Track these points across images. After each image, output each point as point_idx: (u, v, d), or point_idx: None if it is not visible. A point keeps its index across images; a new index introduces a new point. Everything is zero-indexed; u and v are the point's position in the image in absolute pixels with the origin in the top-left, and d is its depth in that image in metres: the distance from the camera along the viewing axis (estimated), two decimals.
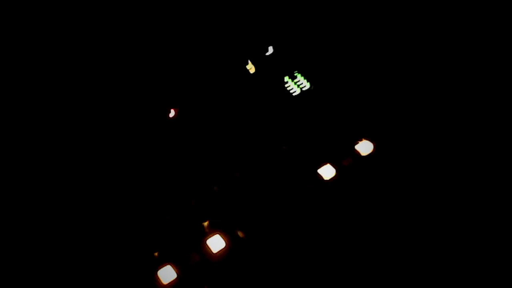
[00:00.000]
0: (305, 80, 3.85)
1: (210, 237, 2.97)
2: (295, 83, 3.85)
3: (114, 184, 3.61)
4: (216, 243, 2.93)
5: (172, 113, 3.85)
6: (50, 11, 4.10)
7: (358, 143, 3.31)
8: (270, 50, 4.09)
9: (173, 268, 2.82)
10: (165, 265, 2.84)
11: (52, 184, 3.63)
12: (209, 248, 2.89)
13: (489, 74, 3.31)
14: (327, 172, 3.16)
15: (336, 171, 3.15)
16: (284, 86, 3.84)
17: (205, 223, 3.09)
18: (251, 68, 3.91)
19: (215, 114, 3.84)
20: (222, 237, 2.94)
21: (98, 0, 4.22)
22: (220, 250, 2.89)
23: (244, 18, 4.30)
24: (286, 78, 3.88)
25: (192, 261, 2.94)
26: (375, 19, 3.98)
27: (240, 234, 2.96)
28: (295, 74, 3.92)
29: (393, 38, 3.84)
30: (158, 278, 2.79)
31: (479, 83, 3.31)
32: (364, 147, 3.27)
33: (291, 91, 3.81)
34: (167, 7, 4.40)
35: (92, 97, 4.22)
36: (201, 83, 4.13)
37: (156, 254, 2.99)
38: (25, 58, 4.07)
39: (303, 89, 3.80)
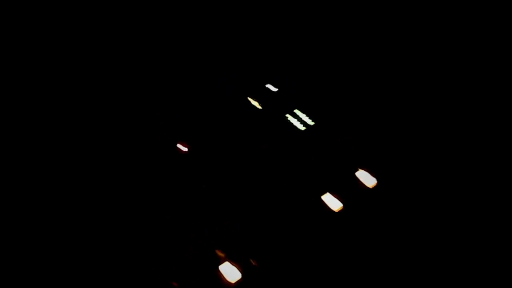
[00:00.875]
0: (307, 117, 4.14)
1: (223, 264, 2.99)
2: (297, 119, 4.13)
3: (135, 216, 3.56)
4: (230, 272, 2.94)
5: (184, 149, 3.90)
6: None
7: (358, 170, 3.48)
8: (272, 88, 4.35)
9: None
10: None
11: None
12: (223, 277, 2.92)
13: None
14: (331, 201, 3.32)
15: (342, 203, 3.31)
16: (288, 121, 4.11)
17: (219, 252, 3.08)
18: (255, 103, 4.12)
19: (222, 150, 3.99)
20: (235, 266, 2.98)
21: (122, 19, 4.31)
22: (235, 280, 2.88)
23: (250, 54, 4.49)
24: (288, 115, 4.15)
25: None
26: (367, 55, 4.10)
27: (253, 262, 2.98)
28: (295, 111, 4.20)
29: (390, 73, 3.93)
30: None
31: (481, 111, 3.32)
32: (366, 178, 3.44)
33: (294, 126, 4.08)
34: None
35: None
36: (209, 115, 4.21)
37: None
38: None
39: (305, 124, 4.09)
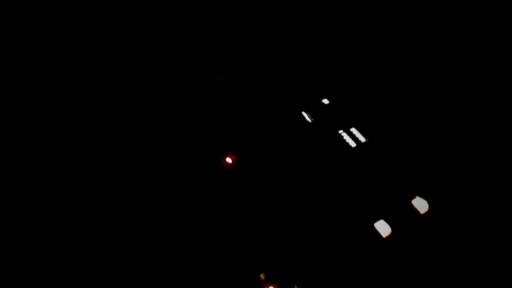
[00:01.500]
0: (361, 134, 4.00)
1: None
2: (351, 136, 4.02)
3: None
4: None
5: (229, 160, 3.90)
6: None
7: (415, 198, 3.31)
8: (326, 101, 4.26)
9: None
10: None
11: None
12: None
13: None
14: (383, 227, 3.17)
15: (391, 228, 3.17)
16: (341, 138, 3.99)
17: (262, 276, 3.06)
18: (307, 117, 4.09)
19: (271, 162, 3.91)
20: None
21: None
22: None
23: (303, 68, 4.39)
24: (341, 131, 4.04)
25: None
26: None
27: None
28: (350, 130, 4.07)
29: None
30: None
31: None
32: (420, 204, 3.27)
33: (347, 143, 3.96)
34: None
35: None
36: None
37: None
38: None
39: (359, 142, 3.94)
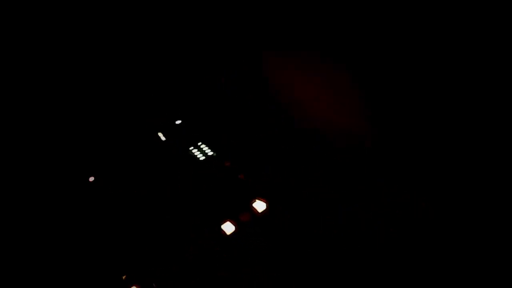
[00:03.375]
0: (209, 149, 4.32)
1: None
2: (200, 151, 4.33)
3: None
4: None
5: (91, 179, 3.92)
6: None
7: (254, 201, 3.68)
8: (178, 121, 4.49)
9: None
10: None
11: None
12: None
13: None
14: (228, 228, 3.50)
15: (236, 227, 3.49)
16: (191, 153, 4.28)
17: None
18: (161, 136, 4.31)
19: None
20: None
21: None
22: None
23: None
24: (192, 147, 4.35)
25: None
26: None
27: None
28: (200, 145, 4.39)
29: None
30: None
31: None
32: (259, 206, 3.68)
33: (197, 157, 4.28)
34: None
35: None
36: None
37: None
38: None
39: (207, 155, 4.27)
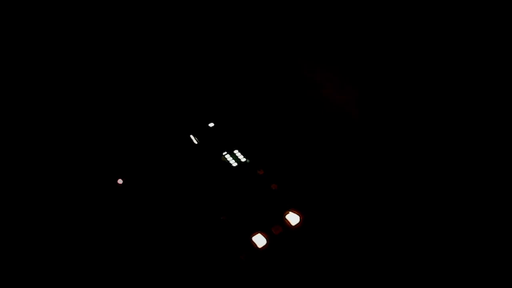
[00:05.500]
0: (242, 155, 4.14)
1: None
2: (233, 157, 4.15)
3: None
4: None
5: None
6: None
7: (288, 213, 3.43)
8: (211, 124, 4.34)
9: None
10: None
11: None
12: None
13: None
14: (259, 240, 3.28)
15: (267, 240, 3.28)
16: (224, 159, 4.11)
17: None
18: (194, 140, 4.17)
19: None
20: None
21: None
22: None
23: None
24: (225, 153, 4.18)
25: None
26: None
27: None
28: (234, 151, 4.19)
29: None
30: None
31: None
32: (292, 218, 3.41)
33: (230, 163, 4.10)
34: None
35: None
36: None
37: None
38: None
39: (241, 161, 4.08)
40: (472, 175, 2.92)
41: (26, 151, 3.72)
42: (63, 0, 3.97)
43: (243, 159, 4.02)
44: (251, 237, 3.29)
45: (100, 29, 4.16)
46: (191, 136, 4.11)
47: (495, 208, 2.71)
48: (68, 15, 4.02)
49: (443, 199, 3.07)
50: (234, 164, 4.02)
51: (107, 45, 4.23)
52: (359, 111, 3.80)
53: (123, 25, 4.21)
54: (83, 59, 4.22)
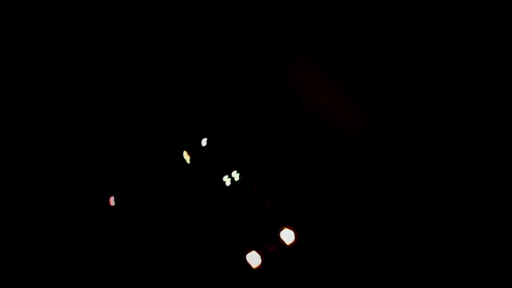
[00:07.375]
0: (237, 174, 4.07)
1: None
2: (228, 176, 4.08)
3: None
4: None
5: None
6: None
7: (282, 230, 3.40)
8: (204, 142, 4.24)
9: None
10: None
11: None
12: None
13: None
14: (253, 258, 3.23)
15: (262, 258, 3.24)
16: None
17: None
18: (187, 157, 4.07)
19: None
20: None
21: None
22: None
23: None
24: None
25: None
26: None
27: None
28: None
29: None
30: None
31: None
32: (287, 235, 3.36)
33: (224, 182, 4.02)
34: None
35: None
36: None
37: None
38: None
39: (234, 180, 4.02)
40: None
41: (20, 161, 3.67)
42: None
43: (237, 177, 3.98)
44: (246, 255, 3.24)
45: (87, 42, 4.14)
46: (184, 153, 4.07)
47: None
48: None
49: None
50: (228, 181, 3.98)
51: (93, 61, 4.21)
52: (356, 126, 3.83)
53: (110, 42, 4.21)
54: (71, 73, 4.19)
